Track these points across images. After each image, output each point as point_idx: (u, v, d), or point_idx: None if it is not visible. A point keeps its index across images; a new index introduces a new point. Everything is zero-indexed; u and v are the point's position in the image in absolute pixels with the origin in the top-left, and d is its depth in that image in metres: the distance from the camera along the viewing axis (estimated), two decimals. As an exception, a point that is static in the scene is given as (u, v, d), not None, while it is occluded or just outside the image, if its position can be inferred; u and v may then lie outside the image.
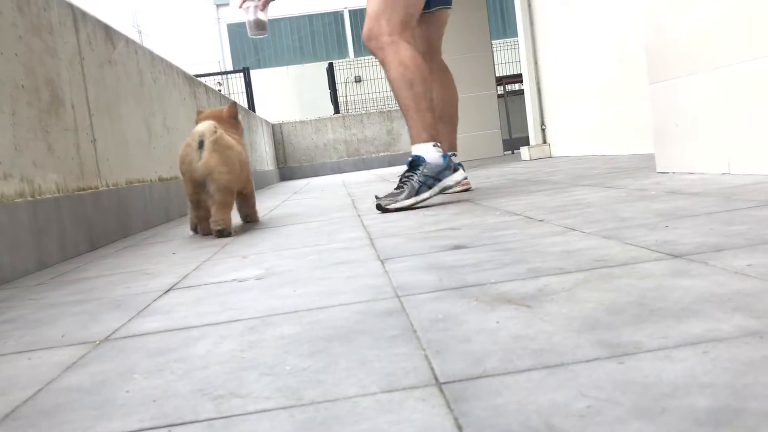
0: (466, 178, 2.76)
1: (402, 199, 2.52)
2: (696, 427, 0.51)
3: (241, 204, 2.71)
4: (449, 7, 3.25)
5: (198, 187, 2.33)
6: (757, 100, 2.12)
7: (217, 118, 2.55)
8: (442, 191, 2.58)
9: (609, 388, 0.61)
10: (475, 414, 0.59)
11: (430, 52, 3.20)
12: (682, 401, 0.56)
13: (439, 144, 2.61)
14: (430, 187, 2.55)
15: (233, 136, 2.54)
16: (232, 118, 2.64)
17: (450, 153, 2.94)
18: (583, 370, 0.66)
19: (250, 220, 2.79)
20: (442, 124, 3.06)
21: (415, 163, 2.55)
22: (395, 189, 2.57)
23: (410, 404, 0.63)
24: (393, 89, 2.64)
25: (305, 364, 0.80)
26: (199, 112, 2.65)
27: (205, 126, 2.31)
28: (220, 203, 2.30)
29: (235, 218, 2.72)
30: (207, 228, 2.42)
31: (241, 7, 3.02)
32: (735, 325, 0.74)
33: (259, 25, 3.09)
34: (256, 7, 3.03)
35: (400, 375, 0.72)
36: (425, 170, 2.53)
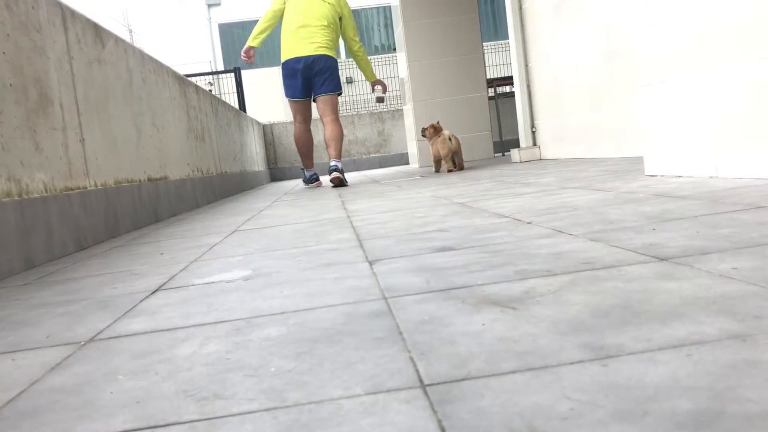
0: (317, 184, 6.05)
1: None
2: (677, 430, 0.51)
3: (457, 160, 5.86)
4: (327, 94, 5.57)
5: (450, 153, 5.75)
6: (745, 103, 2.14)
7: (437, 127, 5.93)
8: (307, 187, 5.92)
9: (592, 390, 0.61)
10: (459, 416, 0.59)
11: (322, 117, 5.62)
12: (664, 404, 0.56)
13: (309, 169, 6.07)
14: (305, 184, 6.18)
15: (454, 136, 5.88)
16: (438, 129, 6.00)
17: (333, 162, 5.39)
18: (567, 372, 0.66)
19: (461, 168, 5.87)
20: (330, 148, 5.50)
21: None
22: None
23: (394, 406, 0.63)
24: None
25: (290, 365, 0.79)
26: (437, 124, 5.95)
27: (449, 132, 5.81)
28: (449, 160, 5.74)
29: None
30: (447, 168, 5.78)
31: (373, 91, 5.88)
32: (719, 328, 0.74)
33: (381, 99, 5.79)
34: (379, 89, 5.81)
35: (384, 377, 0.71)
36: (305, 178, 6.14)
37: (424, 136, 6.04)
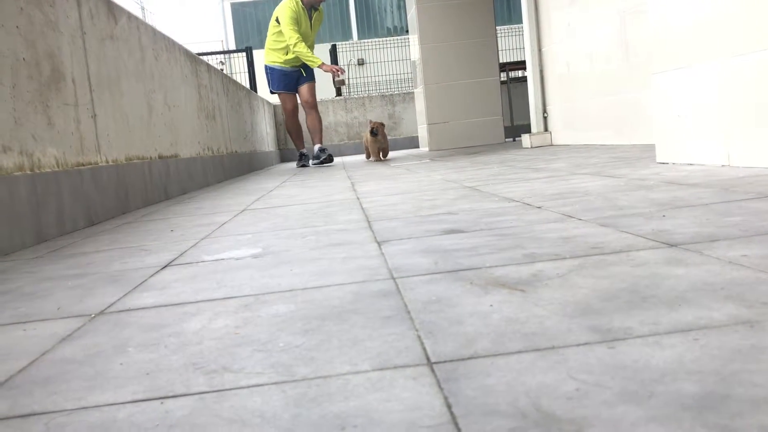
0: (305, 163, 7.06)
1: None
2: (682, 412, 0.52)
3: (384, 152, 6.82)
4: (309, 81, 6.72)
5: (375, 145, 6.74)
6: (758, 92, 2.12)
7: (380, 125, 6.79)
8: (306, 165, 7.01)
9: (598, 372, 0.61)
10: (465, 394, 0.59)
11: (305, 105, 6.74)
12: (670, 387, 0.56)
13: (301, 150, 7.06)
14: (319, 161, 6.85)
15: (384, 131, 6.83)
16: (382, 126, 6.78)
17: (320, 146, 6.74)
18: (573, 354, 0.66)
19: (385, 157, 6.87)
20: (313, 134, 6.78)
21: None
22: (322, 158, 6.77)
23: (401, 383, 0.64)
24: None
25: (298, 341, 0.80)
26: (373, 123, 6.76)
27: (378, 122, 6.74)
28: (384, 152, 6.74)
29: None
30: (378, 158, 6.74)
31: (329, 71, 6.54)
32: (726, 314, 0.74)
33: (341, 82, 6.59)
34: (339, 71, 6.51)
35: (392, 354, 0.72)
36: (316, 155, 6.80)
37: (374, 134, 6.53)
